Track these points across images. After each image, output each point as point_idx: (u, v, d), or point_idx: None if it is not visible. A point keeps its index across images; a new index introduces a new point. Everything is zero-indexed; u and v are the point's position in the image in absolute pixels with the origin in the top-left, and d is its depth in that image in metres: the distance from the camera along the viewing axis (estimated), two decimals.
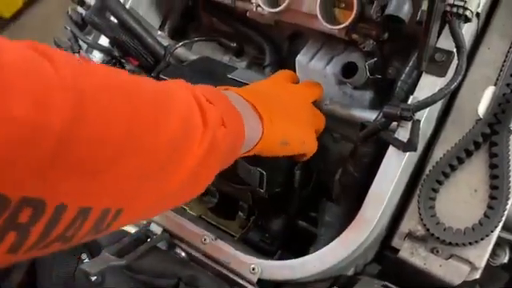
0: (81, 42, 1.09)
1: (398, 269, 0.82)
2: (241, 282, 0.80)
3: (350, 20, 0.82)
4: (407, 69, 0.83)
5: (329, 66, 0.95)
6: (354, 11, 0.81)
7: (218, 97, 0.64)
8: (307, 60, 0.98)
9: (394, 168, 0.76)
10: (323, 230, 0.87)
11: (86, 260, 0.92)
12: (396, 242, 0.81)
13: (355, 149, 0.83)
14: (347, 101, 0.96)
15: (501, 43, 0.83)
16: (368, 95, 0.94)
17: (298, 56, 0.99)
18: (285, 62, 1.10)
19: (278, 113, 0.73)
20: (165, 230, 0.89)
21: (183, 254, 0.89)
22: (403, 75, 0.83)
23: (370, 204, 0.76)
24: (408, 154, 0.76)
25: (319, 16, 0.84)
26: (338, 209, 0.86)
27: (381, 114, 0.82)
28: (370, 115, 0.90)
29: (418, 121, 0.72)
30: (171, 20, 1.22)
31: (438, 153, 0.81)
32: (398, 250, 0.81)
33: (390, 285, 0.80)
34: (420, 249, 0.79)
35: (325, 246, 0.87)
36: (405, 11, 0.72)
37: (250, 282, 0.79)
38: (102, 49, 1.07)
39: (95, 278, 0.90)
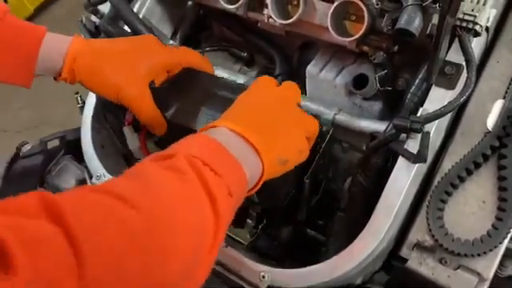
0: None
1: (406, 278, 0.82)
2: None
3: (360, 32, 0.84)
4: (417, 81, 0.84)
5: (339, 77, 0.97)
6: (365, 24, 0.82)
7: (217, 156, 0.62)
8: (317, 70, 0.99)
9: (404, 179, 0.77)
10: (332, 240, 0.88)
11: None
12: (404, 251, 0.82)
13: (365, 159, 0.84)
14: (356, 111, 0.97)
15: (510, 57, 0.84)
16: (377, 106, 0.95)
17: (309, 66, 1.00)
18: (295, 71, 1.12)
19: (270, 131, 0.72)
20: None
21: None
22: (413, 87, 0.84)
23: (379, 214, 0.77)
24: (417, 165, 0.77)
25: (330, 28, 0.86)
26: (346, 219, 0.86)
27: (390, 126, 0.83)
28: (379, 126, 0.91)
29: (428, 133, 0.73)
30: (183, 29, 1.24)
31: (447, 164, 0.82)
32: (406, 260, 0.81)
33: None
34: (428, 259, 0.80)
35: (334, 255, 0.88)
36: (415, 25, 0.73)
37: None
38: None
39: None
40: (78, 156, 1.11)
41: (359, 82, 0.83)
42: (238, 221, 1.09)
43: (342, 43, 0.89)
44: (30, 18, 2.92)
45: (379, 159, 0.83)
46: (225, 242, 0.87)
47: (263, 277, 0.80)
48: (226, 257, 0.85)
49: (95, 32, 1.16)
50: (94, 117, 1.09)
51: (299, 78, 1.10)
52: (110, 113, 1.12)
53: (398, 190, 0.77)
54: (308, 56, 1.10)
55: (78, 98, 1.23)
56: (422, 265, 0.80)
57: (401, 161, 0.78)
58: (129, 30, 1.09)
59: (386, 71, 0.83)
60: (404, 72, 0.91)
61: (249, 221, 1.09)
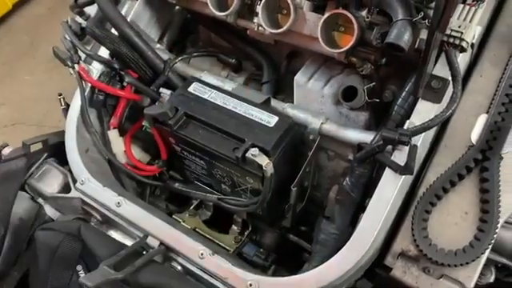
0: (80, 53, 1.09)
1: (391, 287, 0.84)
2: None
3: (349, 44, 0.85)
4: (403, 94, 0.86)
5: (327, 87, 0.98)
6: (355, 36, 0.84)
7: None
8: (305, 80, 1.00)
9: (390, 189, 0.79)
10: (318, 248, 0.89)
11: (81, 272, 0.92)
12: (389, 260, 0.83)
13: (352, 169, 0.86)
14: (343, 121, 0.99)
15: (493, 72, 0.87)
16: (363, 116, 0.96)
17: (297, 75, 1.01)
18: (282, 79, 1.12)
19: None
20: (162, 244, 0.90)
21: (179, 267, 0.90)
22: (399, 100, 0.86)
23: (366, 224, 0.79)
24: (404, 176, 0.78)
25: (320, 39, 0.87)
26: (332, 227, 0.88)
27: (377, 137, 0.85)
28: (366, 136, 0.92)
29: (416, 146, 0.75)
30: (170, 33, 1.24)
31: (431, 176, 0.84)
32: (390, 269, 0.83)
33: None
34: (412, 268, 0.82)
35: (320, 263, 0.89)
36: (405, 40, 0.75)
37: None
38: (102, 60, 1.08)
39: None
40: (61, 159, 1.09)
41: (348, 93, 0.84)
42: (223, 226, 1.09)
43: (330, 54, 0.90)
44: (9, 15, 2.85)
45: (366, 169, 0.84)
46: (211, 250, 0.87)
47: (251, 285, 0.81)
48: (214, 264, 0.85)
49: (80, 34, 1.14)
50: (78, 120, 1.07)
51: (286, 86, 1.11)
52: (95, 116, 1.11)
53: (384, 201, 0.78)
54: (295, 64, 1.11)
55: (61, 100, 1.21)
56: (406, 274, 0.82)
57: (388, 172, 0.80)
58: (116, 33, 1.08)
59: (374, 83, 0.84)
60: (390, 84, 0.93)
61: (233, 227, 1.09)
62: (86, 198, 1.00)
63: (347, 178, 0.86)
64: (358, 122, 0.97)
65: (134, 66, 1.08)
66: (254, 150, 0.85)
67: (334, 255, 0.82)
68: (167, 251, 0.90)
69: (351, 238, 0.79)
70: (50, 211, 1.08)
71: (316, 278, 0.79)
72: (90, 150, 1.09)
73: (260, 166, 0.86)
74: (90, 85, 1.08)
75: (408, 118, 0.83)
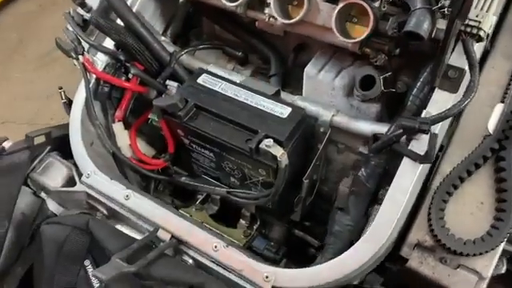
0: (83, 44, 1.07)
1: (407, 278, 0.84)
2: None
3: (365, 34, 0.84)
4: (418, 84, 0.85)
5: (337, 79, 0.97)
6: (370, 26, 0.83)
7: None
8: (316, 71, 0.99)
9: (409, 179, 0.78)
10: (332, 240, 0.88)
11: (89, 267, 0.89)
12: (405, 251, 0.83)
13: (367, 159, 0.85)
14: (353, 113, 0.98)
15: (505, 63, 0.87)
16: (375, 108, 0.96)
17: (307, 67, 1.01)
18: (289, 73, 1.11)
19: None
20: (173, 237, 0.88)
21: (190, 260, 0.89)
22: (414, 90, 0.85)
23: (384, 214, 0.78)
24: (422, 166, 0.78)
25: (335, 29, 0.86)
26: (347, 218, 0.87)
27: (393, 127, 0.85)
28: (378, 128, 0.92)
29: (436, 134, 0.74)
30: (174, 26, 1.22)
31: (445, 166, 0.84)
32: (406, 260, 0.83)
33: None
34: (429, 258, 0.81)
35: (333, 255, 0.88)
36: (424, 28, 0.75)
37: None
38: (107, 51, 1.06)
39: (98, 285, 0.88)
40: (64, 153, 1.07)
41: (365, 83, 0.84)
42: (230, 220, 1.08)
43: (344, 45, 0.90)
44: None
45: (382, 160, 0.84)
46: (224, 242, 0.85)
47: (267, 277, 0.79)
48: (228, 257, 0.83)
49: (82, 26, 1.12)
50: (83, 112, 1.04)
51: (293, 79, 1.10)
52: (99, 109, 1.08)
53: (403, 190, 0.78)
54: (303, 57, 1.10)
55: (62, 94, 1.18)
56: (423, 264, 0.81)
57: (405, 161, 0.79)
58: (121, 24, 1.05)
59: (390, 73, 0.84)
60: (403, 75, 0.93)
61: (241, 221, 1.08)
62: (91, 192, 0.97)
63: (362, 169, 0.85)
64: (370, 113, 0.97)
65: (139, 57, 1.06)
66: (269, 141, 0.84)
67: (351, 247, 0.82)
68: (178, 244, 0.88)
69: (369, 229, 0.78)
70: (52, 206, 1.05)
71: (333, 270, 0.78)
72: (95, 143, 1.06)
73: (274, 157, 0.85)
74: (94, 77, 1.06)
75: (423, 108, 0.83)
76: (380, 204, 0.87)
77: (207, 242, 0.85)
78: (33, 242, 1.02)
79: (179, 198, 1.18)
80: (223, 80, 0.98)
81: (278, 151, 0.83)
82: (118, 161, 1.09)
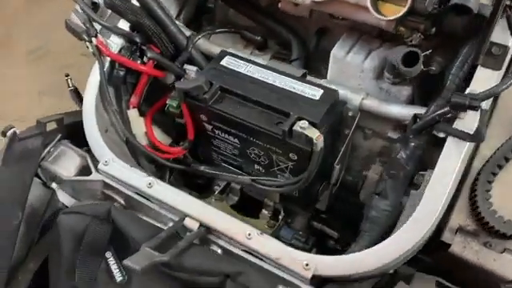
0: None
1: (447, 265, 0.80)
2: (293, 279, 0.75)
3: (402, 12, 0.81)
4: (458, 62, 0.82)
5: (367, 60, 0.94)
6: (408, 3, 0.80)
7: None
8: (343, 54, 0.96)
9: (455, 160, 0.75)
10: (368, 226, 0.84)
11: (111, 259, 0.83)
12: (447, 236, 0.79)
13: (407, 141, 0.82)
14: (383, 96, 0.95)
15: None
16: (406, 91, 0.93)
17: (334, 49, 0.97)
18: (310, 58, 1.08)
19: None
20: (201, 225, 0.83)
21: (219, 250, 0.84)
22: (453, 68, 0.82)
23: (430, 199, 0.75)
24: (467, 145, 0.75)
25: (370, 7, 0.83)
26: (385, 203, 0.83)
27: (433, 107, 0.82)
28: (410, 111, 0.88)
29: (486, 110, 0.72)
30: (187, 11, 1.17)
31: (484, 146, 0.81)
32: (448, 246, 0.79)
33: (442, 281, 0.79)
34: (472, 243, 0.78)
35: (369, 242, 0.84)
36: (472, 1, 0.72)
37: (303, 278, 0.75)
38: (122, 33, 1.00)
39: (120, 278, 0.82)
40: (76, 141, 1.01)
41: (407, 60, 0.80)
42: (251, 211, 1.03)
43: (377, 24, 0.86)
44: None
45: (421, 141, 0.81)
46: (258, 229, 0.80)
47: (307, 265, 0.75)
48: (263, 245, 0.78)
49: (92, 8, 1.06)
50: (97, 98, 0.99)
51: (315, 64, 1.07)
52: (112, 95, 1.02)
53: (449, 171, 0.75)
54: (324, 42, 1.07)
55: (69, 81, 1.12)
56: (466, 249, 0.78)
57: (450, 141, 0.76)
58: (137, 4, 1.00)
59: (430, 51, 0.81)
60: (437, 55, 0.90)
61: (264, 211, 1.03)
62: (109, 181, 0.91)
63: (401, 151, 0.82)
64: (400, 96, 0.94)
65: (156, 40, 1.01)
66: (303, 123, 0.80)
67: (387, 233, 0.78)
68: (206, 233, 0.83)
69: (415, 213, 0.75)
70: (63, 197, 0.98)
71: (374, 258, 0.74)
72: (109, 130, 1.01)
73: (308, 141, 0.81)
74: (108, 60, 1.00)
75: (462, 87, 0.81)
76: (416, 189, 0.85)
77: (240, 230, 0.80)
78: (43, 237, 0.95)
79: (193, 189, 1.13)
80: (248, 62, 0.94)
81: (314, 133, 0.79)
82: (133, 149, 1.04)
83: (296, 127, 0.81)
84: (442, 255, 0.81)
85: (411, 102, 0.94)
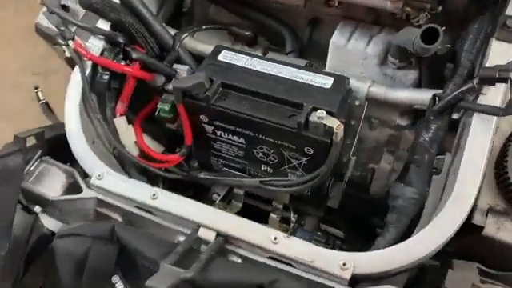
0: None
1: (481, 247, 0.77)
2: (330, 283, 0.69)
3: None
4: (469, 39, 0.80)
5: (370, 46, 0.90)
6: None
7: None
8: (344, 41, 0.92)
9: (484, 137, 0.72)
10: (395, 217, 0.79)
11: (119, 284, 0.74)
12: (478, 219, 0.76)
13: (428, 123, 0.78)
14: (388, 83, 0.91)
15: None
16: (412, 75, 0.90)
17: (333, 37, 0.93)
18: (303, 50, 1.03)
19: None
20: (219, 234, 0.75)
21: (239, 260, 0.76)
22: (466, 45, 0.80)
23: (465, 183, 0.71)
24: (495, 120, 0.72)
25: None
26: (411, 191, 0.79)
27: (451, 86, 0.79)
28: (420, 95, 0.86)
29: None
30: (166, 10, 1.09)
31: (503, 122, 0.78)
32: (481, 228, 0.76)
33: (482, 267, 0.75)
34: (505, 222, 0.75)
35: (397, 234, 0.80)
36: None
37: (341, 279, 0.69)
38: (103, 33, 0.91)
39: None
40: (58, 157, 0.90)
41: (426, 37, 0.77)
42: (257, 216, 0.96)
43: (383, 6, 0.83)
44: None
45: (443, 122, 0.77)
46: (284, 232, 0.73)
47: (344, 264, 0.69)
48: (292, 248, 0.71)
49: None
50: (80, 106, 0.88)
51: (309, 56, 1.02)
52: (96, 102, 0.92)
53: (481, 151, 0.71)
54: (316, 33, 1.03)
55: (39, 94, 1.01)
56: (500, 229, 0.75)
57: (476, 118, 0.73)
58: (117, 1, 0.91)
59: (444, 28, 0.78)
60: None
61: (272, 215, 0.97)
62: (104, 197, 0.81)
63: (423, 135, 0.78)
64: (406, 81, 0.90)
65: (140, 39, 0.92)
66: (321, 112, 0.75)
67: (430, 221, 0.74)
68: (224, 243, 0.75)
69: (452, 196, 0.70)
70: (48, 222, 0.87)
71: (418, 247, 0.69)
72: (96, 142, 0.91)
73: (326, 131, 0.75)
74: (89, 64, 0.91)
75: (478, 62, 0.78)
76: (438, 174, 0.81)
77: (263, 235, 0.73)
78: (29, 270, 0.84)
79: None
80: (247, 55, 0.87)
81: (334, 122, 0.74)
82: (122, 161, 0.94)
83: (312, 118, 0.75)
84: (472, 240, 0.77)
85: (417, 86, 0.91)
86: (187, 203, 0.78)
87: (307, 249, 0.71)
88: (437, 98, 0.77)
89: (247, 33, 1.03)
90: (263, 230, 0.74)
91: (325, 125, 0.75)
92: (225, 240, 0.75)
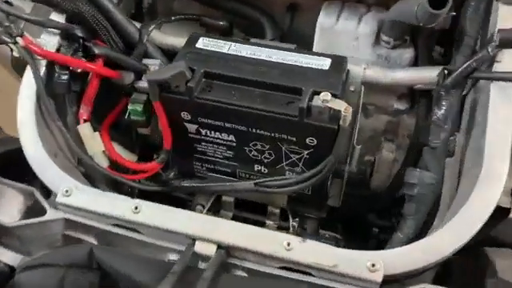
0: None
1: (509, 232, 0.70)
2: None
3: None
4: (471, 6, 0.74)
5: (361, 25, 0.83)
6: None
7: None
8: (332, 22, 0.83)
9: (507, 105, 0.65)
10: (414, 207, 0.71)
11: None
12: (503, 200, 0.69)
13: (439, 99, 0.70)
14: (382, 65, 0.84)
15: None
16: (408, 54, 0.83)
17: (319, 19, 0.84)
18: (285, 37, 0.94)
19: None
20: (220, 247, 0.63)
21: (244, 273, 0.64)
22: (468, 12, 0.74)
23: (493, 154, 0.63)
24: None
25: None
26: (429, 176, 0.70)
27: (460, 57, 0.72)
28: (422, 73, 0.79)
29: None
30: (126, 3, 0.97)
31: None
32: (507, 210, 0.69)
33: None
34: None
35: (418, 226, 0.71)
36: None
37: (372, 283, 0.59)
38: (58, 27, 0.78)
39: None
40: (9, 177, 0.75)
41: (433, 2, 0.69)
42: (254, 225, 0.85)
43: None
44: None
45: (456, 96, 0.70)
46: (298, 236, 0.63)
47: (373, 265, 0.59)
48: (310, 253, 0.61)
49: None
50: (37, 114, 0.74)
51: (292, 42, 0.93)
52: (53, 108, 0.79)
53: (505, 121, 0.64)
54: (297, 19, 0.94)
55: None
56: None
57: (495, 89, 0.66)
58: None
59: None
60: None
61: (268, 221, 0.86)
62: (73, 216, 0.68)
63: (435, 112, 0.70)
64: (402, 61, 0.83)
65: (101, 33, 0.80)
66: (325, 95, 0.65)
67: (451, 209, 0.66)
68: (227, 257, 0.64)
69: (481, 176, 0.63)
70: (4, 255, 0.72)
71: (452, 237, 0.61)
72: (58, 154, 0.77)
73: (333, 116, 0.66)
74: (44, 64, 0.77)
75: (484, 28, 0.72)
76: (451, 156, 0.74)
77: (274, 241, 0.62)
78: None
79: None
80: (229, 41, 0.77)
81: (341, 105, 0.65)
82: (91, 175, 0.80)
83: (316, 102, 0.66)
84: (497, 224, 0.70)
85: (413, 65, 0.84)
86: (177, 213, 0.66)
87: (328, 252, 0.61)
88: (445, 72, 0.70)
89: (221, 23, 0.93)
90: (273, 235, 0.63)
91: (330, 109, 0.65)
92: (227, 253, 0.63)
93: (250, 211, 0.87)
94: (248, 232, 0.64)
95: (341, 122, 0.66)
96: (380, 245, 0.93)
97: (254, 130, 0.72)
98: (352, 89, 0.81)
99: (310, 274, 0.62)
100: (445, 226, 0.61)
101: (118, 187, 0.83)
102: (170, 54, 0.87)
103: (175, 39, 0.88)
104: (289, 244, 0.62)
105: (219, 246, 0.63)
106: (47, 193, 0.73)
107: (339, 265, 0.59)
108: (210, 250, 0.63)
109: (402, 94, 0.85)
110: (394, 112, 0.87)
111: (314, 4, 0.90)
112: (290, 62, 0.73)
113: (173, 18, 0.93)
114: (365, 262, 0.59)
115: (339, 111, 0.65)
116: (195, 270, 0.59)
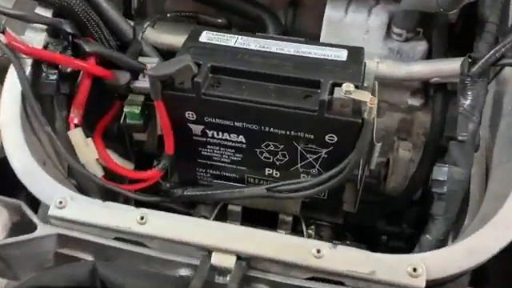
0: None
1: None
2: None
3: None
4: None
5: (372, 17, 0.78)
6: None
7: None
8: (341, 14, 0.79)
9: None
10: (444, 206, 0.65)
11: None
12: None
13: (464, 90, 0.66)
14: (395, 59, 0.80)
15: None
16: (421, 46, 0.79)
17: (327, 11, 0.80)
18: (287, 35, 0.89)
19: None
20: (239, 258, 0.56)
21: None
22: (487, 1, 0.70)
23: None
24: None
25: None
26: (458, 172, 0.65)
27: (482, 45, 0.68)
28: (439, 65, 0.75)
29: None
30: (115, 2, 0.90)
31: None
32: None
33: None
34: None
35: (448, 227, 0.66)
36: None
37: None
38: (46, 22, 0.70)
39: None
40: None
41: None
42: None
43: None
44: None
45: (483, 85, 0.66)
46: (329, 242, 0.56)
47: (414, 270, 0.53)
48: (343, 261, 0.54)
49: None
50: (22, 118, 0.66)
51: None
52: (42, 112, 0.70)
53: None
54: (299, 15, 0.90)
55: None
56: None
57: None
58: None
59: None
60: None
61: (279, 231, 0.79)
62: (68, 231, 0.59)
63: (461, 103, 0.66)
64: (415, 54, 0.79)
65: (92, 29, 0.73)
66: (347, 86, 0.60)
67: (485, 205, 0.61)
68: (248, 269, 0.56)
69: None
70: None
71: (498, 236, 0.56)
72: (47, 163, 0.68)
73: (356, 110, 0.61)
74: (29, 63, 0.69)
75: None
76: (476, 151, 0.70)
77: (302, 249, 0.55)
78: None
79: None
80: (236, 34, 0.71)
81: (366, 96, 0.59)
82: (84, 185, 0.72)
83: (337, 94, 0.60)
84: None
85: (427, 59, 0.80)
86: (188, 222, 0.59)
87: (363, 258, 0.54)
88: (473, 61, 0.66)
89: (220, 20, 0.87)
90: (300, 242, 0.57)
91: (354, 101, 0.60)
92: (247, 264, 0.56)
93: (258, 221, 0.80)
94: (271, 239, 0.57)
95: (365, 115, 0.60)
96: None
97: (266, 129, 0.66)
98: (366, 84, 0.76)
99: (341, 284, 0.55)
100: (487, 224, 0.56)
101: (113, 199, 0.75)
102: (165, 55, 0.81)
103: (172, 37, 0.83)
104: (318, 251, 0.55)
105: (238, 257, 0.56)
106: (33, 207, 0.64)
107: (377, 271, 0.53)
108: (229, 261, 0.55)
109: (416, 90, 0.81)
110: (407, 109, 0.83)
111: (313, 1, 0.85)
112: (304, 54, 0.67)
113: (168, 15, 0.86)
114: (405, 267, 0.53)
115: (361, 104, 0.60)
116: (215, 286, 0.52)
